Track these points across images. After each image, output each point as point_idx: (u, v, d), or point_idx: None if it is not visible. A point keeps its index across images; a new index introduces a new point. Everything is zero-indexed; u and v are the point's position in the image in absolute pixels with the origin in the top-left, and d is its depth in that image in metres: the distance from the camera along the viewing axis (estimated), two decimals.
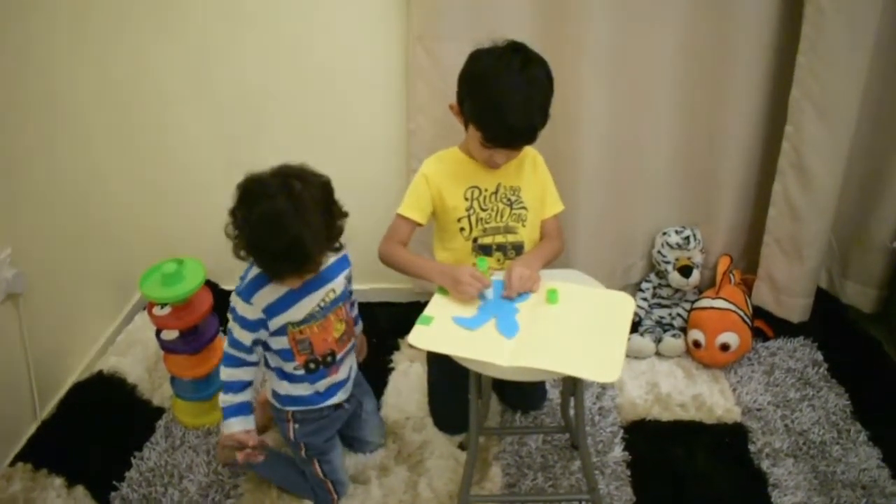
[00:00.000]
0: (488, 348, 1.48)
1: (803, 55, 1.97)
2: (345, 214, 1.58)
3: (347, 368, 1.78)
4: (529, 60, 1.63)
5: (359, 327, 1.90)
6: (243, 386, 1.67)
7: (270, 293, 1.59)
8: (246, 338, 1.62)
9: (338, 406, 1.78)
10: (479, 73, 1.65)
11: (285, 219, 1.44)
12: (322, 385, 1.72)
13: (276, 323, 1.61)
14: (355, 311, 1.86)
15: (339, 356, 1.72)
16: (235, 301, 1.61)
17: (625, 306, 1.60)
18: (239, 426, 1.66)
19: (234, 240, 1.50)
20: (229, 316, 1.64)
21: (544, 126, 1.63)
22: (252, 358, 1.66)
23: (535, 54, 1.65)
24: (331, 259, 1.65)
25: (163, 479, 1.86)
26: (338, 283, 1.68)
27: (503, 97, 1.59)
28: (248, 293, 1.59)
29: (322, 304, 1.65)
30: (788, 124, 2.06)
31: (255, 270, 1.59)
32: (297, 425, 1.75)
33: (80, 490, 1.81)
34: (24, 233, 1.95)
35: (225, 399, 1.66)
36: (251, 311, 1.59)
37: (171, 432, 1.99)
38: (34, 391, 1.99)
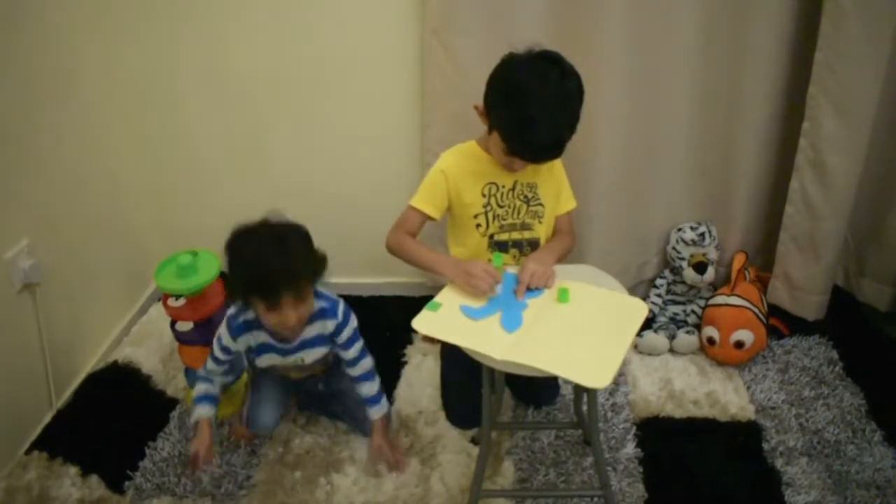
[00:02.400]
0: (485, 339, 1.47)
1: (821, 51, 1.95)
2: (324, 256, 1.68)
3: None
4: (565, 75, 1.57)
5: (378, 408, 1.87)
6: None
7: (254, 338, 1.76)
8: (225, 356, 1.80)
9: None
10: (513, 83, 1.58)
11: (275, 246, 1.58)
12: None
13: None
14: (371, 389, 1.86)
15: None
16: (224, 332, 1.75)
17: (636, 312, 1.56)
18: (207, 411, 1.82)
19: (232, 285, 1.66)
20: (215, 343, 1.78)
21: (570, 139, 1.59)
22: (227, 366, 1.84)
23: (569, 67, 1.58)
24: (313, 332, 1.76)
25: (176, 470, 1.87)
26: (309, 354, 1.80)
27: (535, 115, 1.53)
28: (237, 332, 1.74)
29: (284, 364, 1.82)
30: (806, 121, 2.05)
31: (249, 314, 1.72)
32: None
33: (94, 479, 1.83)
34: (41, 224, 1.96)
35: (199, 388, 1.83)
36: (234, 346, 1.76)
37: (185, 423, 2.00)
38: (50, 380, 2.00)
